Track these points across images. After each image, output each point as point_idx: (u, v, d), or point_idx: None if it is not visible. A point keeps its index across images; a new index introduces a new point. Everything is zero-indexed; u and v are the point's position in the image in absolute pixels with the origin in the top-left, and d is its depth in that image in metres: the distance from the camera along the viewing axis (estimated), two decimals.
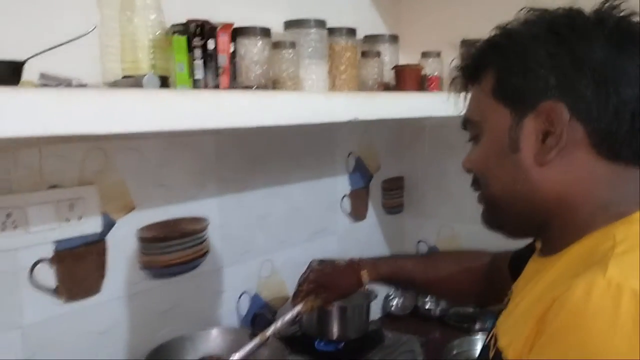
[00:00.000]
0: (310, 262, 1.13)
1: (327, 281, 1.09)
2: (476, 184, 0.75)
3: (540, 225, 0.71)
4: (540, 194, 0.68)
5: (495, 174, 0.71)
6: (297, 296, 1.10)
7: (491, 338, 0.71)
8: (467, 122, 0.75)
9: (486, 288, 1.04)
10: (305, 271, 1.12)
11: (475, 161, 0.74)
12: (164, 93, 0.88)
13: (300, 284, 1.11)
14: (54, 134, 0.69)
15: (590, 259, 0.61)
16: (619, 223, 0.64)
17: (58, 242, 1.07)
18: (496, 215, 0.74)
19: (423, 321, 1.84)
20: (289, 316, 1.10)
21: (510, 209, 0.71)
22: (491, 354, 0.69)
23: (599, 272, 0.57)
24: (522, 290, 0.73)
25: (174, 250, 1.29)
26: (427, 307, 1.90)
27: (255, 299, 1.50)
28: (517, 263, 0.87)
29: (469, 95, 0.75)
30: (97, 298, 1.15)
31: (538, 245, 0.77)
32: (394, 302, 1.91)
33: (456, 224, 1.90)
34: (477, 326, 1.71)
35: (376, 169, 1.88)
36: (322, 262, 1.13)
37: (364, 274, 1.07)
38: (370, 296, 1.43)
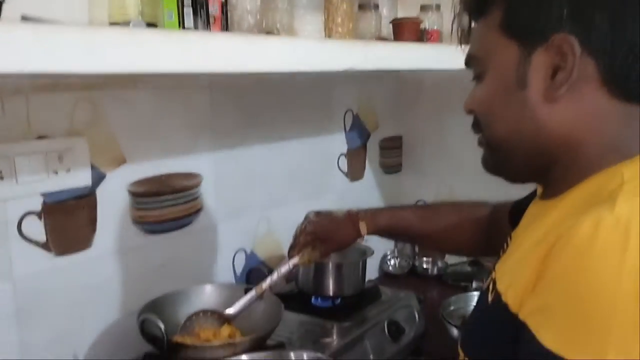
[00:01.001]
0: (307, 214, 1.10)
1: (325, 233, 1.07)
2: (477, 126, 0.72)
3: (545, 168, 0.68)
4: (546, 133, 0.65)
5: (500, 113, 0.68)
6: (294, 248, 1.08)
7: (490, 282, 0.69)
8: (470, 59, 0.72)
9: (486, 239, 1.02)
10: (302, 223, 1.10)
11: (479, 100, 0.70)
12: (151, 33, 0.84)
13: (296, 236, 1.09)
14: (33, 72, 0.66)
15: (596, 198, 0.58)
16: (627, 162, 0.62)
17: (47, 195, 1.05)
18: (498, 158, 0.71)
19: (420, 280, 1.83)
20: (284, 268, 1.08)
21: (514, 150, 0.68)
22: (490, 297, 0.67)
23: (607, 208, 0.54)
24: (522, 234, 0.70)
25: (167, 205, 1.26)
26: (424, 266, 1.90)
27: (251, 256, 1.48)
28: (517, 212, 0.84)
29: (474, 31, 0.72)
30: (88, 253, 1.12)
31: (539, 189, 0.75)
32: (391, 262, 1.91)
33: (454, 181, 1.88)
34: (475, 284, 1.71)
35: (374, 127, 1.85)
36: (319, 213, 1.10)
37: (362, 226, 1.05)
38: (366, 252, 1.41)
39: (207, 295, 1.18)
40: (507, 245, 0.75)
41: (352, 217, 1.07)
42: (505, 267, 0.68)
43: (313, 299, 1.37)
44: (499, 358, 0.62)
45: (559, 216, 0.62)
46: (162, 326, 0.97)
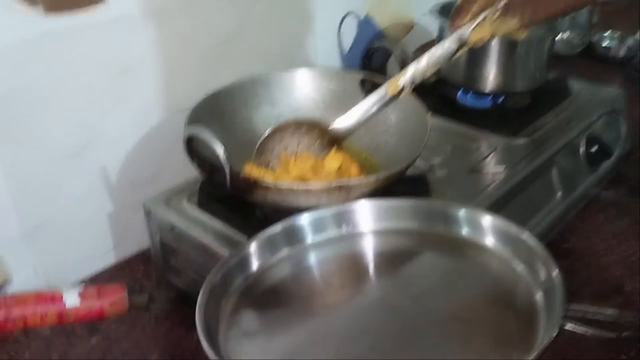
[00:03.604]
0: None
1: None
2: None
3: None
4: None
5: None
6: (464, 11, 0.57)
7: None
8: None
9: None
10: None
11: None
12: None
13: None
14: None
15: None
16: None
17: None
18: None
19: (599, 66, 1.28)
20: (443, 48, 0.58)
21: None
22: None
23: None
24: None
25: None
26: (605, 44, 1.32)
27: (364, 24, 0.98)
28: None
29: None
30: (102, 13, 0.66)
31: None
32: (557, 37, 1.34)
33: None
34: None
35: None
36: None
37: None
38: (555, 26, 0.87)
39: (298, 88, 0.72)
40: None
41: None
42: None
43: (460, 95, 0.88)
44: None
45: None
46: (221, 152, 0.53)
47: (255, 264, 0.50)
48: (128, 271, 0.76)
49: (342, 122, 0.61)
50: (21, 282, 0.70)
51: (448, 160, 0.73)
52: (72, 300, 0.58)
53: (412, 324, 0.45)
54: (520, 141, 0.78)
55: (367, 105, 0.60)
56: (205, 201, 0.66)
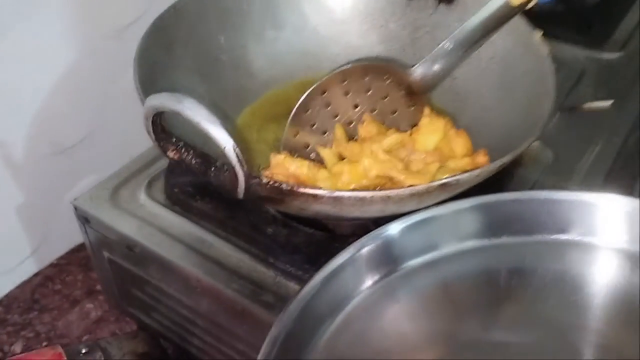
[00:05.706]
0: None
1: None
2: None
3: None
4: None
5: None
6: None
7: None
8: None
9: None
10: None
11: None
12: None
13: None
14: None
15: None
16: None
17: None
18: None
19: None
20: None
21: None
22: None
23: None
24: None
25: None
26: None
27: None
28: None
29: None
30: None
31: None
32: None
33: None
34: None
35: None
36: None
37: None
38: None
39: (305, 3, 0.44)
40: None
41: None
42: None
43: None
44: None
45: None
46: (230, 146, 0.27)
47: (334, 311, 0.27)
48: (61, 287, 0.51)
49: (431, 62, 0.35)
50: None
51: None
52: None
53: None
54: (611, 56, 0.55)
55: (470, 29, 0.34)
56: (179, 196, 0.40)
